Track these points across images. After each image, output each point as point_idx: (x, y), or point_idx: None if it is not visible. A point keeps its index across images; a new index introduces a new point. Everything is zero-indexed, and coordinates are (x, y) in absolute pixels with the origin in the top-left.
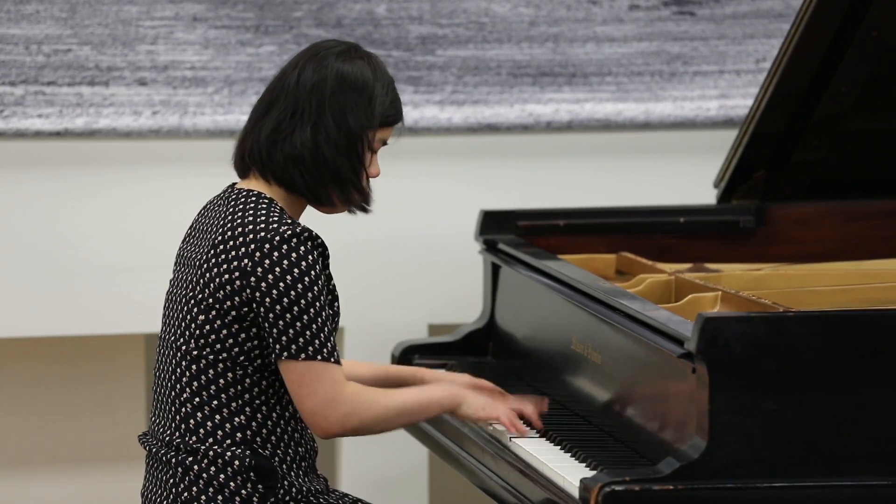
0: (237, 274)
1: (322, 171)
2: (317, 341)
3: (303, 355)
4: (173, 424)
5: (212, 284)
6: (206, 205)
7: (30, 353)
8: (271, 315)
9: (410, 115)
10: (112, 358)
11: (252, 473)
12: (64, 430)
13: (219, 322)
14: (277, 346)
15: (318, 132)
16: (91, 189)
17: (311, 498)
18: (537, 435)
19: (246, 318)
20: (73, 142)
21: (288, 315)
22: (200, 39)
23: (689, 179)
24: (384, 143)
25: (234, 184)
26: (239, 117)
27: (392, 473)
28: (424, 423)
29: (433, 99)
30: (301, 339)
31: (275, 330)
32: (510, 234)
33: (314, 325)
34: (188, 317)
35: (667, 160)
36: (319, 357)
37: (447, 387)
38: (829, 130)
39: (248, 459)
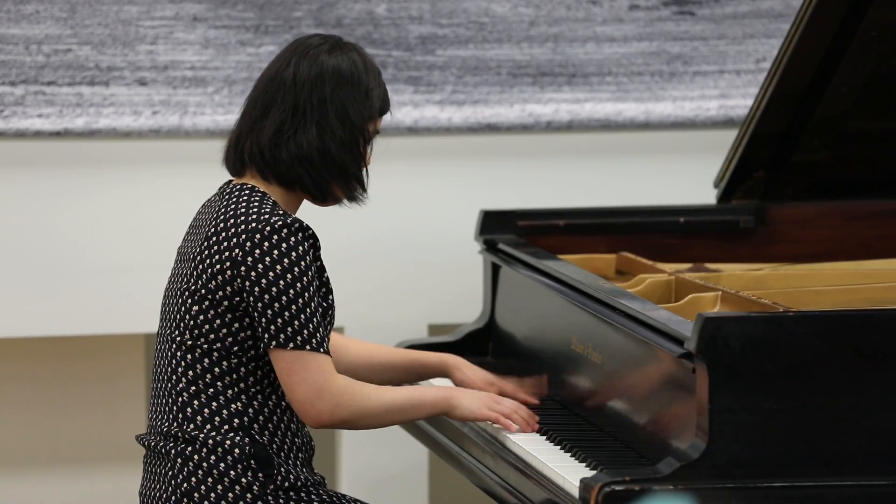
0: (228, 264)
1: (329, 169)
2: (305, 331)
3: (291, 344)
4: (171, 415)
5: (204, 275)
6: (205, 202)
7: (30, 353)
8: (260, 304)
9: (410, 115)
10: (112, 358)
11: (252, 461)
12: (64, 430)
13: (212, 312)
14: (266, 336)
15: (324, 131)
16: (91, 189)
17: (311, 488)
18: (536, 434)
19: (238, 307)
20: (73, 142)
21: (276, 304)
22: (200, 39)
23: (689, 179)
24: (377, 132)
25: (230, 181)
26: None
27: (392, 473)
28: (424, 422)
29: (433, 99)
30: (289, 329)
31: (263, 319)
32: (510, 234)
33: (302, 315)
34: (182, 308)
35: (667, 160)
36: (308, 347)
37: (441, 389)
38: (829, 130)
39: (247, 447)
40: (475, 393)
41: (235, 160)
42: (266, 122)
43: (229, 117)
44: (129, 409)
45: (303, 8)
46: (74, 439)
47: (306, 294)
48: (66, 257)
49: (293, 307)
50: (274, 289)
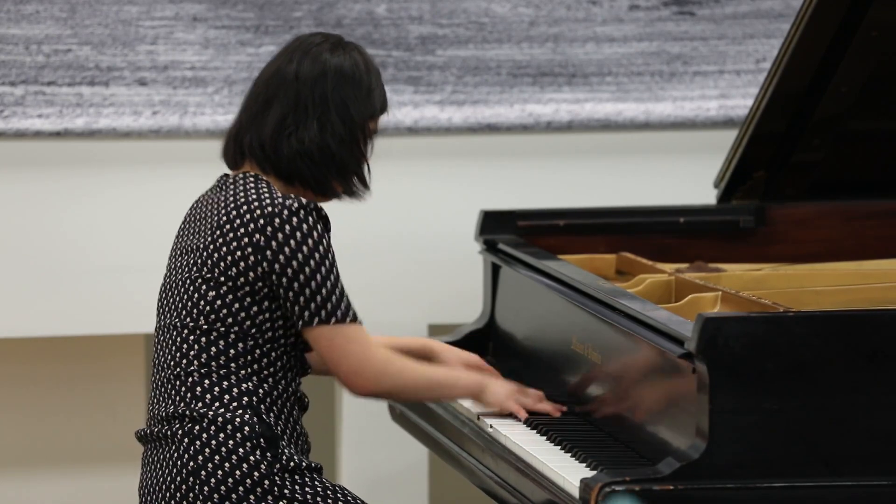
0: (250, 250)
1: (329, 165)
2: (343, 304)
3: (333, 319)
4: (178, 397)
5: (222, 263)
6: (199, 198)
7: (30, 353)
8: (296, 284)
9: (410, 115)
10: (112, 358)
11: (261, 440)
12: (64, 430)
13: (231, 296)
14: (306, 314)
15: (325, 128)
16: (91, 189)
17: (315, 474)
18: (536, 434)
19: (259, 292)
20: (73, 142)
21: (313, 283)
22: (200, 39)
23: (689, 179)
24: (376, 131)
25: (227, 174)
26: None
27: (392, 473)
28: (424, 422)
29: (433, 99)
30: (329, 304)
31: (301, 299)
32: (510, 234)
33: (337, 290)
34: (195, 295)
35: (667, 160)
36: (348, 319)
37: (473, 374)
38: (829, 130)
39: (256, 425)
40: (505, 383)
41: (235, 152)
42: (268, 116)
43: (229, 117)
44: (129, 409)
45: (303, 8)
46: (74, 439)
47: (334, 269)
48: (66, 257)
49: (328, 283)
50: (307, 268)
